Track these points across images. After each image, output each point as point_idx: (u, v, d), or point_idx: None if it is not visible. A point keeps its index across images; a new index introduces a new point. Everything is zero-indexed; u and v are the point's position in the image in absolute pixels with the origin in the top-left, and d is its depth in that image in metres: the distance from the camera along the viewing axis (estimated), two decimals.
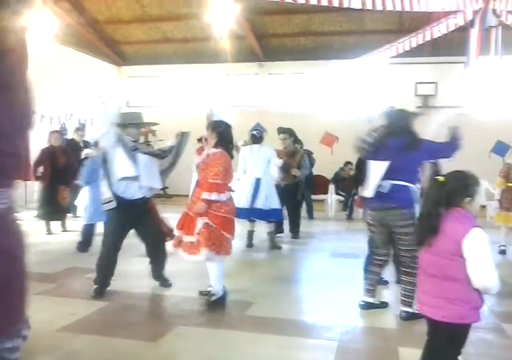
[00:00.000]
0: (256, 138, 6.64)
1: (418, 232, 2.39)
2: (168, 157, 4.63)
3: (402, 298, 3.86)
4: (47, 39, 9.17)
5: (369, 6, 6.72)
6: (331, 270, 5.53)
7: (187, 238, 3.99)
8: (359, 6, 6.14)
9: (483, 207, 9.63)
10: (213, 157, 4.01)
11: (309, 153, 8.54)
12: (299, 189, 7.44)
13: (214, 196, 3.93)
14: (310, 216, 9.60)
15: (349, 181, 10.29)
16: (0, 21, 1.00)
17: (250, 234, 6.69)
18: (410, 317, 3.76)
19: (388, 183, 3.78)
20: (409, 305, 3.80)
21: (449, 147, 3.91)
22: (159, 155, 4.57)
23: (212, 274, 4.07)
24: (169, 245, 4.41)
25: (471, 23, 6.87)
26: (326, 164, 10.44)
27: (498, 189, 6.58)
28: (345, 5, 5.94)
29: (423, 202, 2.46)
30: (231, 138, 4.27)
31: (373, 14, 12.14)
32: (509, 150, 9.43)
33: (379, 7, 6.90)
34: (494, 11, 6.64)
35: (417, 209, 3.81)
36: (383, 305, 4.10)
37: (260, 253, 6.52)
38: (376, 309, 4.06)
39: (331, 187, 10.43)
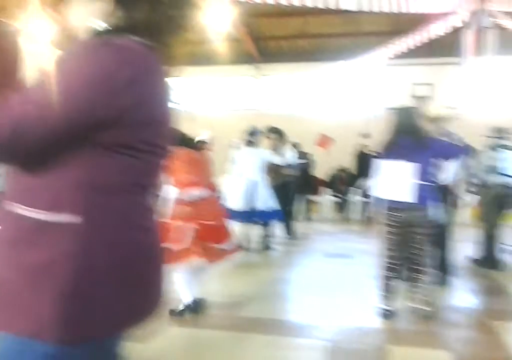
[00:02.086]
0: (251, 143, 6.66)
1: None
2: None
3: (421, 297, 3.84)
4: (44, 43, 9.15)
5: (365, 8, 6.73)
6: (324, 271, 5.52)
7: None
8: (355, 8, 6.13)
9: None
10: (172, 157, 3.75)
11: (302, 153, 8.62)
12: (290, 189, 7.43)
13: (175, 193, 3.71)
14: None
15: (344, 183, 10.32)
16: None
17: (244, 236, 6.67)
18: (430, 315, 3.80)
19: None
20: (429, 304, 3.84)
21: (460, 149, 3.97)
22: None
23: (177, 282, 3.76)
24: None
25: (466, 24, 6.87)
26: (322, 166, 10.45)
27: None
28: (342, 7, 5.93)
29: None
30: (185, 134, 3.92)
31: (369, 16, 12.14)
32: None
33: (375, 8, 6.91)
34: (489, 12, 6.64)
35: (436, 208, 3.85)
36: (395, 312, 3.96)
37: (253, 255, 6.50)
38: (366, 309, 4.04)
39: (326, 189, 10.44)
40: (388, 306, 3.89)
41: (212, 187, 4.01)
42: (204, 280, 4.03)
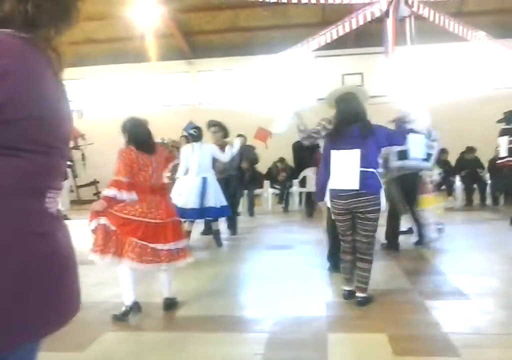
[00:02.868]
0: (195, 137, 6.54)
1: None
2: None
3: (358, 284, 3.92)
4: None
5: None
6: (266, 263, 5.57)
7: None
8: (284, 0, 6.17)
9: None
10: (118, 155, 3.79)
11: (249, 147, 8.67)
12: (231, 184, 7.42)
13: (112, 192, 3.66)
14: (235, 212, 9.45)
15: (283, 175, 10.44)
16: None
17: (187, 234, 6.60)
18: (366, 302, 3.88)
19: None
20: (365, 291, 3.90)
21: (402, 135, 4.06)
22: None
23: (120, 282, 3.81)
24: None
25: (386, 14, 7.07)
26: (260, 159, 10.50)
27: None
28: None
29: None
30: (140, 134, 3.88)
31: (297, 8, 12.31)
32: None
33: (304, 0, 6.96)
34: (406, 1, 6.87)
35: (382, 195, 3.91)
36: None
37: (195, 252, 6.44)
38: (306, 298, 4.12)
39: (266, 182, 10.52)
40: (348, 287, 4.01)
41: (156, 190, 3.87)
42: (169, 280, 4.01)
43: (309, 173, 10.27)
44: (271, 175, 10.63)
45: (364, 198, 3.79)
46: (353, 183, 3.77)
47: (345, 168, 3.82)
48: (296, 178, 10.32)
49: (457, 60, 13.54)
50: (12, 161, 1.08)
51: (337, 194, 3.89)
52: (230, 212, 6.83)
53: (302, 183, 10.32)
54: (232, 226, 7.53)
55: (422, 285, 4.46)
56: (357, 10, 8.29)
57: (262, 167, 11.01)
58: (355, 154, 3.78)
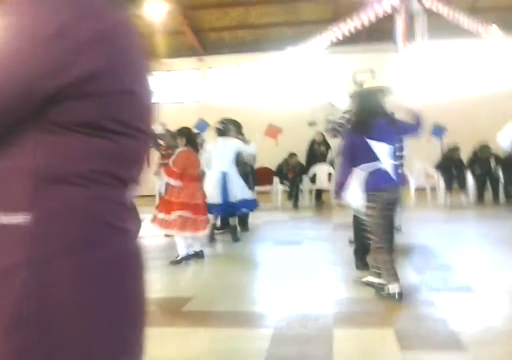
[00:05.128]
0: (221, 131, 6.56)
1: None
2: None
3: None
4: None
5: None
6: (273, 259, 5.56)
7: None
8: None
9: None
10: (177, 154, 5.37)
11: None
12: (247, 179, 7.40)
13: (167, 179, 5.45)
14: None
15: (293, 171, 10.40)
16: None
17: (212, 227, 6.54)
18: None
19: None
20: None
21: (417, 125, 4.11)
22: None
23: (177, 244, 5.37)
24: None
25: (396, 10, 7.03)
26: (271, 156, 10.47)
27: None
28: None
29: None
30: (193, 140, 5.50)
31: (309, 4, 12.27)
32: (444, 132, 9.79)
33: None
34: None
35: None
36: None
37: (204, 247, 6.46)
38: (313, 294, 4.11)
39: (276, 178, 10.49)
40: (399, 287, 3.81)
41: (194, 178, 5.41)
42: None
43: (320, 169, 10.26)
44: (281, 172, 10.59)
45: (399, 190, 3.88)
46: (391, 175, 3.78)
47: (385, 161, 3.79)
48: (305, 174, 10.30)
49: (470, 56, 13.39)
50: (94, 143, 0.90)
51: (378, 186, 3.74)
52: (254, 206, 6.79)
53: (313, 180, 10.30)
54: (243, 222, 7.52)
55: (430, 280, 4.42)
56: (368, 6, 8.25)
57: (273, 163, 10.99)
58: (388, 147, 3.77)
